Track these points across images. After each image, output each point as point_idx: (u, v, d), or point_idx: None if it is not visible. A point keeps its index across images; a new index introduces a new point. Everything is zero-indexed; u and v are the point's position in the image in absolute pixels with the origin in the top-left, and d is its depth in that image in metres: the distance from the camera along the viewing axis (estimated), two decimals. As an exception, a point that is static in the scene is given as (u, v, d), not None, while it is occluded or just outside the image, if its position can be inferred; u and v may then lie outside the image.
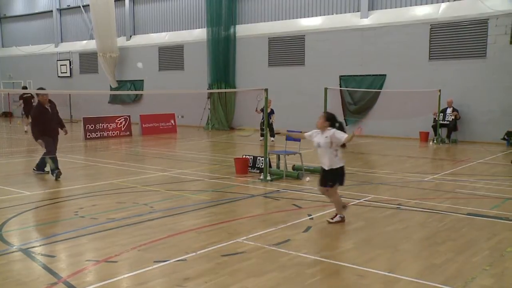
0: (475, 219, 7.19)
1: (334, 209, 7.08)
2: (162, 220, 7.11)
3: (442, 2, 17.90)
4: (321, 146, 6.71)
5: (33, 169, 10.95)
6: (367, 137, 18.92)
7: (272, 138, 17.27)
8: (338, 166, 6.71)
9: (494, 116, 16.54)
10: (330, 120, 6.74)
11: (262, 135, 17.11)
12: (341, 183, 6.85)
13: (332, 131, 6.65)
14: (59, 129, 10.84)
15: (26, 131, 20.40)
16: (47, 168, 10.74)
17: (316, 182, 8.42)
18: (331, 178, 6.75)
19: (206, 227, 6.75)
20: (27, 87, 29.68)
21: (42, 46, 32.12)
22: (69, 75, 30.68)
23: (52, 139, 10.51)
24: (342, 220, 6.89)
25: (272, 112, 17.34)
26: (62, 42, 31.50)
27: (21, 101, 21.27)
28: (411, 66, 18.32)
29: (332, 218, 6.87)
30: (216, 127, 23.27)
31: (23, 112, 21.48)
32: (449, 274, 5.07)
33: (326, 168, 6.75)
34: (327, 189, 6.83)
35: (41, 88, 10.83)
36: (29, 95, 20.67)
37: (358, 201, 8.26)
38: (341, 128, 6.74)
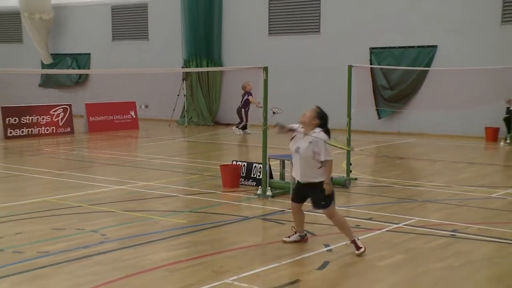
0: None
1: (365, 236, 7.10)
2: (119, 253, 7.09)
3: None
4: (300, 152, 7.03)
5: None
6: (409, 135, 18.99)
7: (241, 131, 19.00)
8: (319, 180, 6.98)
9: None
10: (323, 119, 7.06)
11: (243, 127, 19.25)
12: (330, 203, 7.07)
13: (319, 134, 6.94)
14: None
15: None
16: None
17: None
18: (322, 196, 7.00)
19: (181, 262, 6.74)
20: None
21: None
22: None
23: None
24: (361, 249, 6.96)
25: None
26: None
27: None
28: (474, 32, 18.41)
29: (357, 249, 6.94)
30: (195, 121, 23.31)
31: None
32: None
33: (301, 181, 7.15)
34: (328, 210, 7.11)
35: None
36: None
37: (396, 225, 8.25)
38: (328, 134, 7.03)
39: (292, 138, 7.20)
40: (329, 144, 6.92)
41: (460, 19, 18.57)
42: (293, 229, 7.40)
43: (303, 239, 7.40)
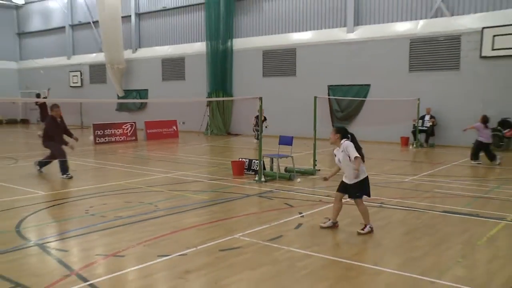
0: (450, 216, 7.26)
1: (324, 207, 7.11)
2: (165, 218, 7.12)
3: (421, 19, 18.07)
4: (341, 161, 6.27)
5: (35, 163, 11.27)
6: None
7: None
8: (360, 178, 6.22)
9: (467, 123, 16.52)
10: (341, 132, 6.31)
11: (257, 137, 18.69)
12: (368, 195, 6.40)
13: (345, 143, 6.22)
14: (70, 137, 11.13)
15: (39, 135, 20.39)
16: (43, 169, 11.14)
17: (304, 184, 8.46)
18: (358, 190, 6.30)
19: (205, 224, 6.77)
20: (40, 94, 29.59)
21: (56, 59, 32.13)
22: (80, 85, 30.68)
23: (59, 145, 10.81)
24: (372, 231, 6.30)
25: (265, 118, 18.18)
26: (74, 55, 31.51)
27: (39, 108, 21.43)
28: (392, 77, 18.42)
29: (362, 229, 6.31)
30: (215, 132, 23.28)
31: (39, 118, 21.66)
32: (426, 266, 5.13)
33: (349, 183, 6.28)
34: (359, 200, 6.37)
35: (56, 105, 10.86)
36: (44, 102, 20.58)
37: (345, 200, 8.23)
38: (353, 139, 6.30)
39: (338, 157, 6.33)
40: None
41: (384, 68, 18.60)
42: (328, 218, 6.65)
43: (334, 226, 6.52)
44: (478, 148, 12.99)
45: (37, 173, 11.12)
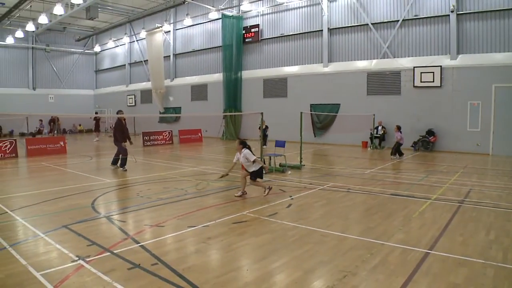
0: (395, 197, 7.25)
1: (308, 192, 7.10)
2: (193, 199, 7.14)
3: (374, 59, 18.09)
4: (241, 161, 7.10)
5: (111, 165, 11.12)
6: (329, 144, 19.01)
7: (264, 146, 17.49)
8: (254, 169, 7.05)
9: (406, 131, 16.59)
10: (242, 144, 7.10)
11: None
12: (261, 177, 7.17)
13: (244, 151, 6.99)
14: (129, 141, 11.09)
15: (96, 140, 21.56)
16: (119, 164, 10.95)
17: (293, 175, 8.47)
18: (254, 176, 7.14)
19: (222, 204, 6.79)
20: (98, 112, 30.88)
21: (118, 87, 32.54)
22: (134, 104, 30.81)
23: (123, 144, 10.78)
24: (270, 188, 7.18)
25: (267, 127, 17.60)
26: (130, 84, 31.76)
27: (94, 121, 22.43)
28: (355, 98, 18.33)
29: (264, 193, 7.19)
30: (228, 137, 23.21)
31: (94, 128, 22.79)
32: (378, 232, 5.16)
33: (249, 171, 7.09)
34: (254, 181, 7.22)
35: (120, 111, 11.11)
36: (99, 118, 21.23)
37: (322, 187, 8.27)
38: (249, 148, 7.10)
39: (238, 158, 7.20)
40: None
41: (349, 92, 18.50)
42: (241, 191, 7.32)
43: (243, 194, 7.22)
44: (396, 147, 13.68)
45: (113, 168, 10.89)
